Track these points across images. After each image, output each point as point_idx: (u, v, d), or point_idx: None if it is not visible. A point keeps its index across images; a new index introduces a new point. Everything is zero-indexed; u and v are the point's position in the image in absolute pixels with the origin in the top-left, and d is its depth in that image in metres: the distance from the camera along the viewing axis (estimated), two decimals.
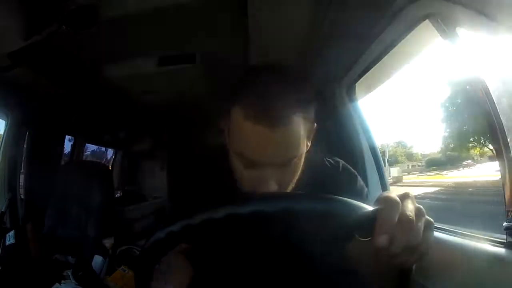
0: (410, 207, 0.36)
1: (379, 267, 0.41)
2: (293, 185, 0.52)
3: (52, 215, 1.59)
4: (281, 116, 0.44)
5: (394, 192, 0.39)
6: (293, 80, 0.50)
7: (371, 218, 0.34)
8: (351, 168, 0.65)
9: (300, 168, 0.52)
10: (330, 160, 0.65)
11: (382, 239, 0.34)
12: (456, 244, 0.67)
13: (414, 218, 0.35)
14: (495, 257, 0.56)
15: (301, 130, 0.47)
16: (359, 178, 0.64)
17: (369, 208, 0.36)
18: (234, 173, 0.53)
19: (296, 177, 0.52)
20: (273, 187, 0.47)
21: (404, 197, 0.37)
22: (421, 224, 0.36)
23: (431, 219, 0.37)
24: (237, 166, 0.51)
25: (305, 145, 0.50)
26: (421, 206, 0.37)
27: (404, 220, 0.35)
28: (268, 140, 0.44)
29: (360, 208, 0.35)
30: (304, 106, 0.48)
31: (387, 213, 0.35)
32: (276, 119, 0.44)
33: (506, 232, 0.56)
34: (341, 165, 0.64)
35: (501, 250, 0.56)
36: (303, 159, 0.51)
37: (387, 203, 0.36)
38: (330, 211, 0.35)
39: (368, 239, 0.35)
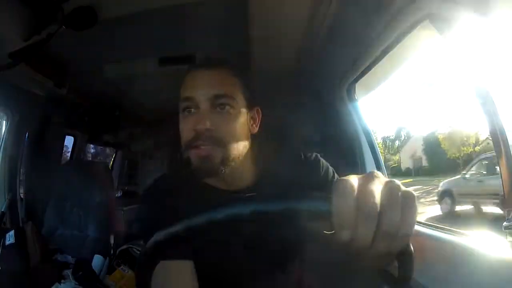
0: (372, 190, 0.27)
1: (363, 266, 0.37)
2: (234, 140, 0.56)
3: (52, 215, 1.59)
4: (206, 63, 0.59)
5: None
6: (233, 66, 0.62)
7: (326, 210, 0.28)
8: (321, 159, 0.66)
9: (239, 127, 0.57)
10: (303, 153, 0.67)
11: (342, 234, 0.27)
12: (456, 244, 0.67)
13: (377, 205, 0.27)
14: (495, 257, 0.56)
15: (230, 80, 0.58)
16: (324, 168, 0.65)
17: (324, 199, 0.29)
18: (180, 135, 0.58)
19: (236, 133, 0.57)
20: (207, 126, 0.53)
21: (367, 178, 0.29)
22: (395, 212, 0.27)
23: (413, 201, 0.28)
24: (180, 119, 0.58)
25: (238, 98, 0.58)
26: (398, 184, 0.29)
27: (364, 209, 0.27)
28: (201, 75, 0.57)
29: (315, 200, 0.29)
30: (233, 72, 0.59)
31: (340, 202, 0.27)
32: (202, 64, 0.60)
33: (506, 232, 0.56)
34: (309, 156, 0.66)
35: (501, 250, 0.56)
36: (242, 119, 0.58)
37: (339, 189, 0.28)
38: (286, 210, 0.30)
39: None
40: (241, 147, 0.58)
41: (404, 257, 0.31)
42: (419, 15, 0.70)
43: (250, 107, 0.61)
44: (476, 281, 0.58)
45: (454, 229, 0.73)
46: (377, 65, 1.01)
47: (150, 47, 1.36)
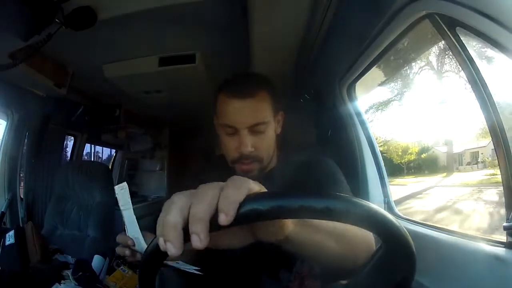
0: (175, 199, 0.30)
1: None
2: (268, 152, 0.69)
3: (52, 215, 1.59)
4: (247, 91, 0.65)
5: None
6: (261, 79, 0.71)
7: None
8: (331, 163, 0.72)
9: (271, 140, 0.69)
10: (320, 158, 0.72)
11: (159, 242, 0.29)
12: (456, 244, 0.67)
13: (177, 209, 0.29)
14: (495, 257, 0.56)
15: (264, 106, 0.66)
16: (331, 169, 0.70)
17: None
18: (222, 148, 0.68)
19: (270, 146, 0.69)
20: (249, 149, 0.65)
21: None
22: (197, 205, 0.28)
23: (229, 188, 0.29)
24: (223, 138, 0.68)
25: (270, 118, 0.68)
26: (210, 185, 0.30)
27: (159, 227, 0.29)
28: (240, 107, 0.64)
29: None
30: (265, 91, 0.67)
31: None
32: (244, 93, 0.65)
33: (506, 232, 0.56)
34: (321, 159, 0.72)
35: (501, 250, 0.56)
36: (272, 133, 0.69)
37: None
38: None
39: None
40: (271, 151, 0.71)
41: (406, 262, 0.32)
42: (419, 15, 0.70)
43: (276, 113, 0.71)
44: (476, 281, 0.58)
45: (454, 229, 0.73)
46: (377, 65, 1.01)
47: (150, 47, 1.36)
